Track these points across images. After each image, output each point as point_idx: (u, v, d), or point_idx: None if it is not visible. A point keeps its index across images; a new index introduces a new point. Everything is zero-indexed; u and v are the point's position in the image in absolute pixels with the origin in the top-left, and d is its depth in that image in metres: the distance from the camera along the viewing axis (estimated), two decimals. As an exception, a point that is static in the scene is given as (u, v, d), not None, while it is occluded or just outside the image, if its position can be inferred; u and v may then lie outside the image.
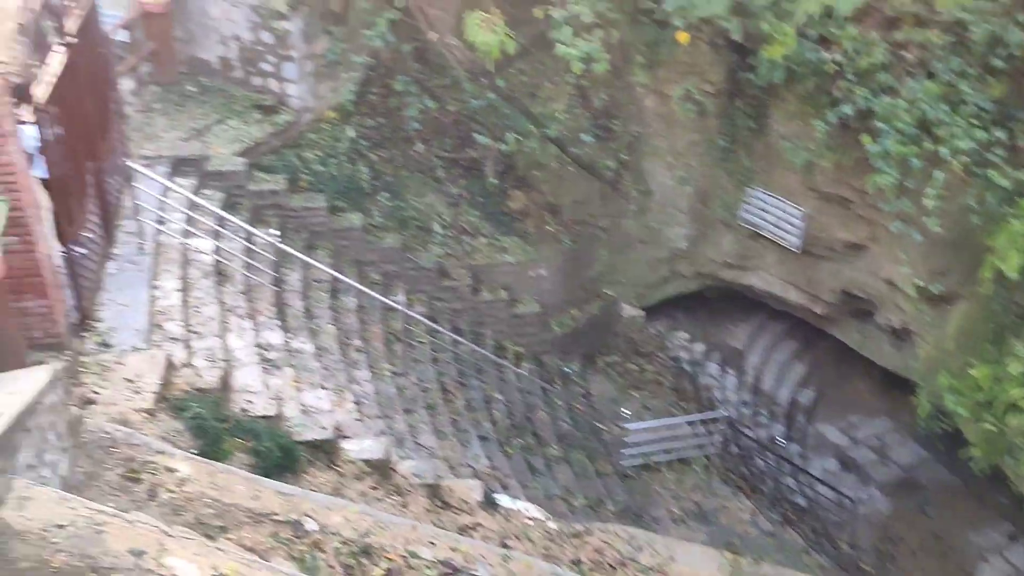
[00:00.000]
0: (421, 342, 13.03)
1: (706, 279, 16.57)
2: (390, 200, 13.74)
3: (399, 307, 11.81)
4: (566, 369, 15.54)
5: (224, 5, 12.65)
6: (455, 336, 13.40)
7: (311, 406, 9.64)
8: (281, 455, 8.11)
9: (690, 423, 14.98)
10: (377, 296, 12.02)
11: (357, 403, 10.39)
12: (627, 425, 14.04)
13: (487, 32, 11.02)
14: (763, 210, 14.60)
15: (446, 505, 9.25)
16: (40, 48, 8.08)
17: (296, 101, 13.07)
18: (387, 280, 13.39)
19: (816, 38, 11.75)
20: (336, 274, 11.72)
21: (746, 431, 15.70)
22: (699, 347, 17.29)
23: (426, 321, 12.66)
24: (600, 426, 14.79)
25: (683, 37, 11.82)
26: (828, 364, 17.70)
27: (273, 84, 13.09)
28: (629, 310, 16.36)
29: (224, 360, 9.26)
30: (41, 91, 7.79)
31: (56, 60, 8.39)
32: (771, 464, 15.54)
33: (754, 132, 14.01)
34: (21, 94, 7.53)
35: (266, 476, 7.56)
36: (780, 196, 14.25)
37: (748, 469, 15.22)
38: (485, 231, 14.59)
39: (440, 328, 12.97)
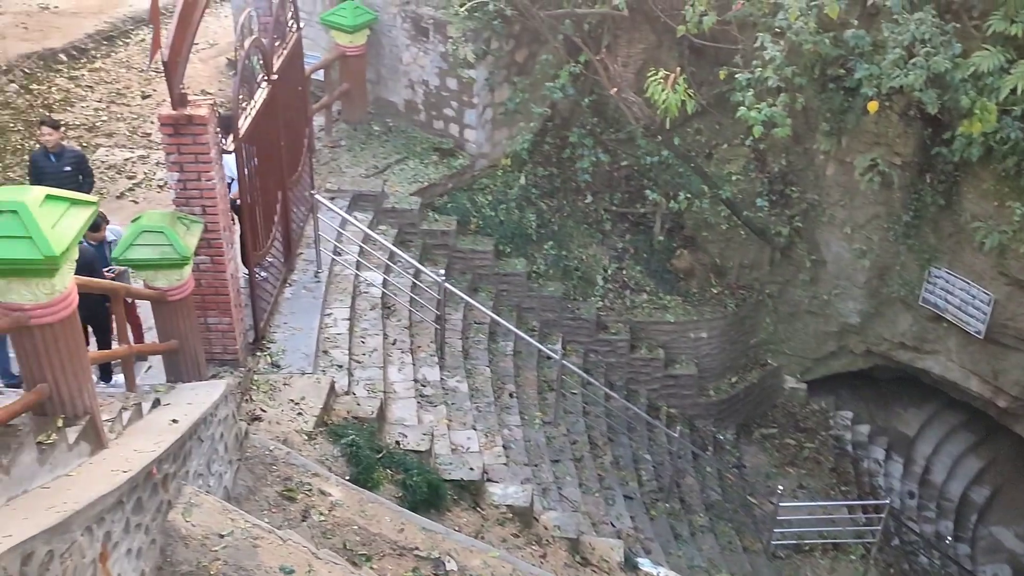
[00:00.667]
0: (573, 393, 12.98)
1: (877, 358, 15.75)
2: (555, 249, 13.85)
3: (555, 356, 11.81)
4: (720, 436, 15.09)
5: (415, 51, 13.20)
6: (608, 391, 13.27)
7: (461, 445, 9.74)
8: (428, 491, 8.19)
9: (849, 508, 14.19)
10: (534, 343, 12.08)
11: (505, 447, 10.42)
12: (780, 503, 13.45)
13: (667, 90, 10.99)
14: (947, 292, 13.80)
15: (585, 562, 9.09)
16: (247, 83, 8.64)
17: (473, 146, 13.44)
18: (545, 328, 13.46)
19: (1020, 115, 11.08)
20: (496, 317, 11.87)
21: (910, 524, 14.74)
22: (864, 429, 16.42)
23: (580, 372, 12.61)
24: (751, 499, 14.24)
25: (873, 106, 11.38)
26: (1007, 461, 16.41)
27: (453, 129, 13.51)
28: (791, 382, 15.76)
29: (383, 391, 9.52)
30: (244, 123, 8.32)
31: (260, 95, 8.96)
32: (935, 563, 14.51)
33: (942, 209, 13.31)
34: (227, 125, 8.07)
35: (412, 510, 7.65)
36: (967, 278, 13.43)
37: (910, 565, 14.24)
38: (647, 288, 14.46)
39: (593, 381, 12.88)
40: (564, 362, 11.94)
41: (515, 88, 13.18)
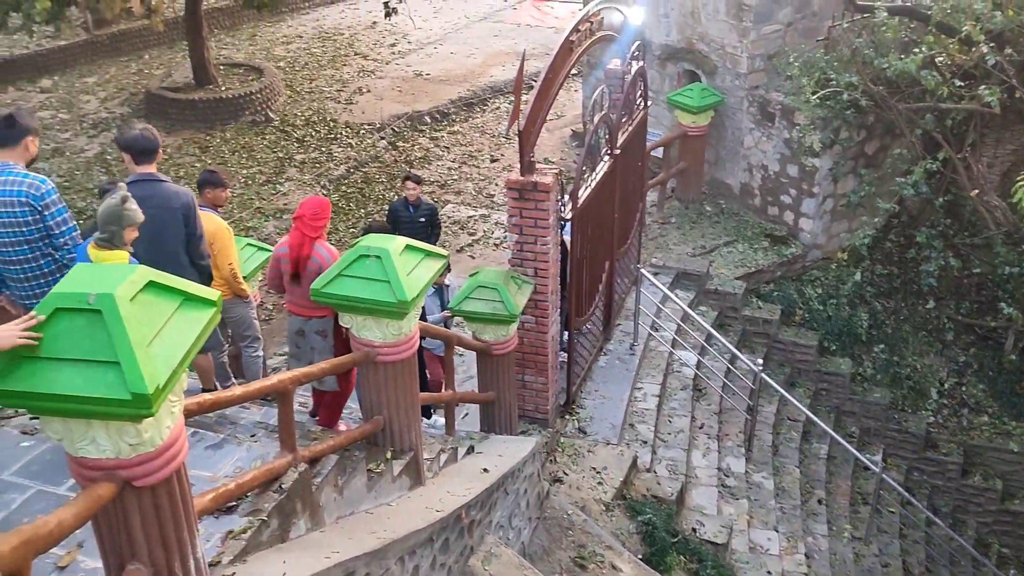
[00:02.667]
0: (891, 511, 11.92)
1: None
2: (885, 353, 12.91)
3: (873, 468, 10.93)
4: (1060, 590, 13.12)
5: (758, 135, 13.04)
6: (931, 515, 12.04)
7: (760, 545, 9.25)
8: (720, 587, 7.86)
9: None
10: (851, 450, 11.26)
11: (808, 556, 9.74)
12: None
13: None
14: None
15: None
16: (591, 156, 8.96)
17: (808, 236, 12.95)
18: (865, 436, 12.53)
19: None
20: (812, 416, 11.23)
21: None
22: None
23: (901, 490, 11.55)
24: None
25: None
26: None
27: (788, 216, 13.13)
28: None
29: (684, 475, 9.30)
30: (583, 194, 8.62)
31: (601, 167, 9.26)
32: None
33: None
34: (568, 195, 8.41)
35: (702, 604, 7.37)
36: None
37: None
38: (990, 409, 13.02)
39: (915, 502, 11.74)
40: (884, 475, 11.02)
41: (861, 180, 12.57)
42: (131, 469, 3.01)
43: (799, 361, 12.44)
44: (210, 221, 6.53)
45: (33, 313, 2.92)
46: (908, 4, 11.98)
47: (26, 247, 5.23)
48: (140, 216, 5.06)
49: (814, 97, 11.53)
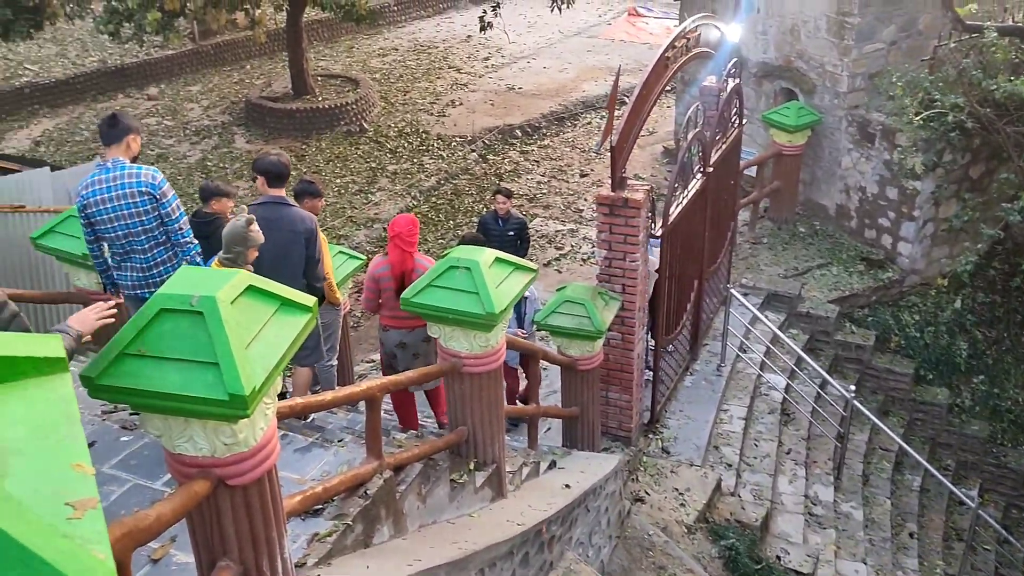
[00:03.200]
0: (986, 548, 11.43)
1: None
2: (986, 385, 12.41)
3: (969, 503, 10.51)
4: None
5: (856, 156, 12.73)
6: (1029, 556, 11.52)
7: (846, 578, 8.97)
8: (805, 618, 7.64)
9: None
10: (946, 483, 10.84)
11: (896, 592, 9.43)
12: None
13: None
14: None
15: None
16: (682, 173, 8.87)
17: (906, 260, 12.56)
18: (961, 470, 12.06)
19: None
20: (906, 447, 10.85)
21: None
22: None
23: (998, 527, 11.08)
24: None
25: None
26: None
27: (886, 239, 12.76)
28: None
29: (769, 500, 9.09)
30: (674, 211, 8.54)
31: (693, 185, 9.16)
32: None
33: None
34: (658, 212, 8.34)
35: (784, 635, 7.18)
36: None
37: None
38: (1099, 447, 12.41)
39: (1014, 541, 11.24)
40: (980, 511, 10.59)
41: (964, 205, 12.14)
42: (226, 468, 3.09)
43: (893, 389, 12.06)
44: None
45: (110, 295, 3.01)
46: (1019, 24, 11.56)
47: (144, 237, 5.55)
48: (261, 238, 5.39)
49: (917, 118, 11.21)
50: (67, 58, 22.17)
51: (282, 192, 6.18)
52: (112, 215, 5.50)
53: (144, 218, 5.51)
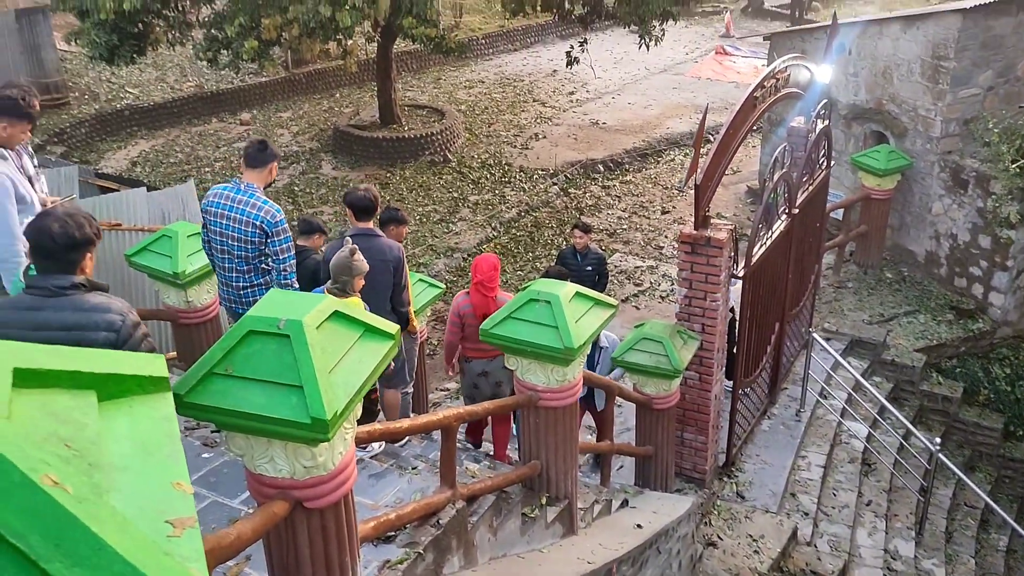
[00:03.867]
0: (1076, 618, 10.89)
1: None
2: (1080, 444, 11.89)
3: (1059, 568, 10.07)
4: None
5: (948, 203, 12.40)
6: (1124, 628, 10.92)
7: (926, 638, 8.63)
8: None
9: None
10: (1035, 546, 10.41)
11: (979, 657, 9.03)
12: None
13: None
14: None
15: None
16: (767, 214, 8.75)
17: (998, 311, 12.15)
18: (1051, 532, 11.53)
19: None
20: (993, 504, 10.43)
21: None
22: None
23: (1090, 596, 10.56)
24: None
25: None
26: None
27: (977, 289, 12.36)
28: None
29: (847, 552, 8.82)
30: (757, 252, 8.42)
31: (777, 226, 9.03)
32: None
33: None
34: (741, 252, 8.23)
35: None
36: None
37: None
38: None
39: (1106, 611, 10.69)
40: (1071, 578, 10.11)
41: (1061, 256, 11.72)
42: (304, 490, 3.13)
43: (981, 444, 11.63)
44: None
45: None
46: None
47: (241, 262, 5.84)
48: (366, 267, 5.61)
49: (1014, 166, 10.89)
50: (166, 82, 23.02)
51: (370, 224, 6.45)
52: (222, 230, 5.80)
53: (248, 247, 5.77)
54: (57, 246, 3.71)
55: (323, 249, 7.27)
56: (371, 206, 6.40)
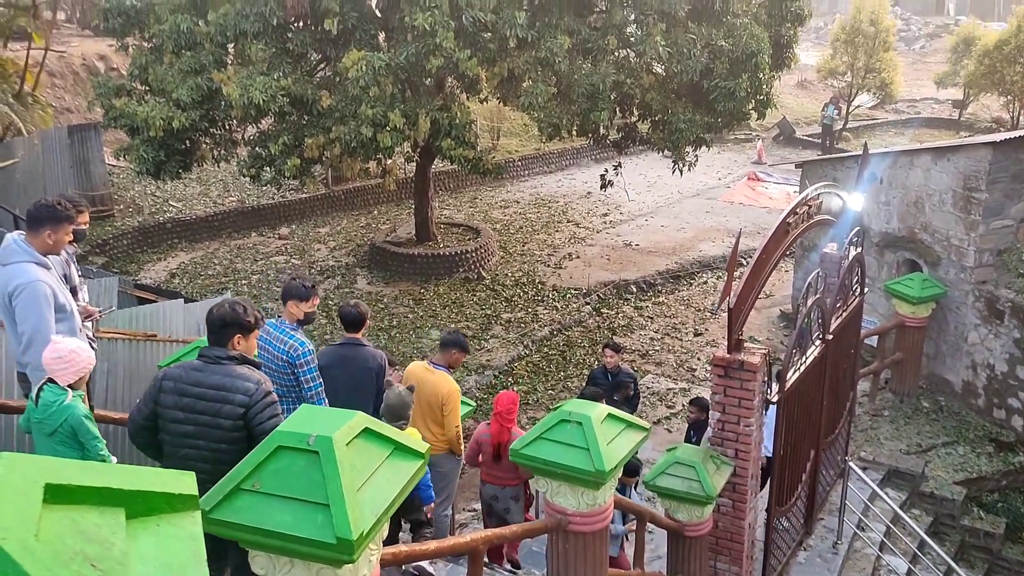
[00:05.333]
0: None
1: None
2: None
3: None
4: None
5: (984, 332, 12.26)
6: None
7: None
8: None
9: None
10: None
11: None
12: None
13: None
14: None
15: None
16: (801, 339, 8.69)
17: (1040, 445, 11.84)
18: None
19: None
20: (1042, 651, 9.96)
21: None
22: None
23: None
24: None
25: None
26: None
27: (1017, 421, 12.08)
28: None
29: None
30: (791, 378, 8.33)
31: (811, 352, 8.95)
32: None
33: None
34: (775, 377, 8.15)
35: None
36: None
37: None
38: None
39: None
40: None
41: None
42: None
43: (1027, 584, 11.15)
44: (446, 382, 7.36)
45: None
46: None
47: (280, 388, 6.10)
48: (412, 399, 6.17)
49: (1051, 296, 10.79)
50: (208, 197, 23.68)
51: (357, 335, 6.96)
52: (261, 358, 6.05)
53: (284, 377, 6.19)
54: (214, 324, 4.83)
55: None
56: (359, 319, 6.92)
